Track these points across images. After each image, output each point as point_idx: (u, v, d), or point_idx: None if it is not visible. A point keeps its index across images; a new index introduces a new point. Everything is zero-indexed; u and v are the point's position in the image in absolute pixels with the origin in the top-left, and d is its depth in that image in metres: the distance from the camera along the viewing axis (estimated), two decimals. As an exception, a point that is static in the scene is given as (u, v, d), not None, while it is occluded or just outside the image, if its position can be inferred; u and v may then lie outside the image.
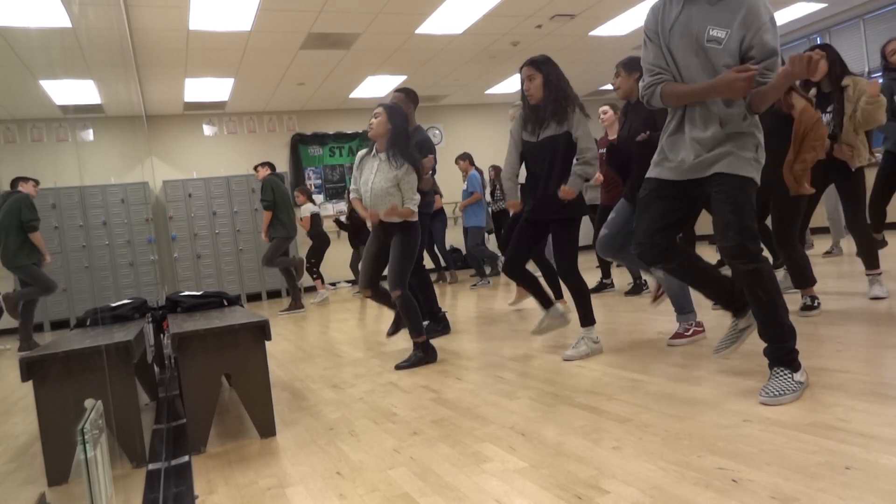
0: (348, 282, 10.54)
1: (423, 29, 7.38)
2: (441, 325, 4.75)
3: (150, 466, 2.46)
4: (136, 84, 7.99)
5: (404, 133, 3.80)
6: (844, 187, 4.03)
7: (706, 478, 1.75)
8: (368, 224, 4.01)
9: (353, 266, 9.22)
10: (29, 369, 2.27)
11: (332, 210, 10.74)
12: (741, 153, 2.39)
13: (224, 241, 9.99)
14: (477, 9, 6.92)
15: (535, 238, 3.59)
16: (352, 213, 8.62)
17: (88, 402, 1.60)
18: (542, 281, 3.81)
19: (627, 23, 7.91)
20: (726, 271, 2.69)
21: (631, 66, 3.50)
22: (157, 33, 6.56)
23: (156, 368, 4.18)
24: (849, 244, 6.34)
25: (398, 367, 3.72)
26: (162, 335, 4.05)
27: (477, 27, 7.50)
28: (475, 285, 8.06)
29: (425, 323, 4.33)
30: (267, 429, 2.69)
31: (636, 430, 2.20)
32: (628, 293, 5.72)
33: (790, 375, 2.34)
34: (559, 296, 4.97)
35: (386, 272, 3.85)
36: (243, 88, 9.08)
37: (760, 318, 2.40)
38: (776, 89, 2.32)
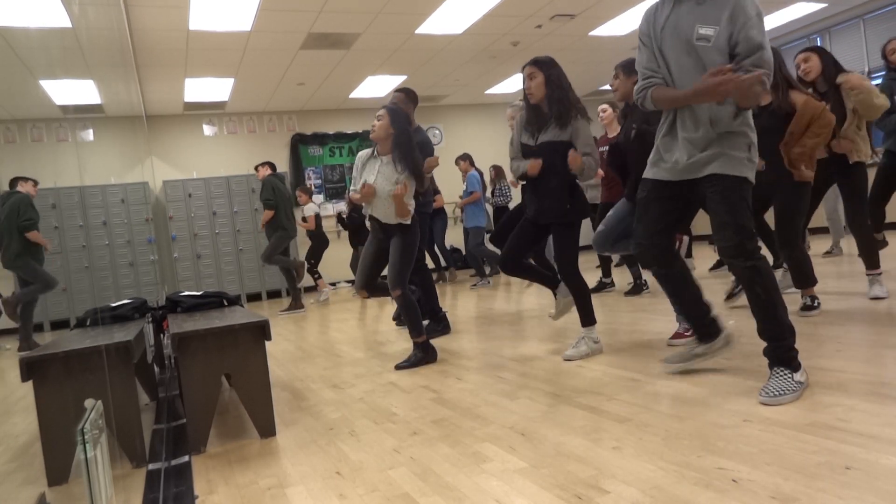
0: (348, 282, 10.54)
1: (423, 29, 7.38)
2: (441, 324, 4.75)
3: (150, 466, 2.46)
4: (136, 84, 7.99)
5: (408, 137, 3.78)
6: (846, 185, 4.02)
7: (706, 478, 1.75)
8: (367, 224, 4.01)
9: (354, 266, 9.22)
10: (29, 369, 2.27)
11: (332, 210, 10.74)
12: (734, 153, 2.42)
13: (224, 241, 9.99)
14: (477, 9, 6.92)
15: (535, 238, 3.59)
16: (351, 213, 8.62)
17: (88, 402, 1.60)
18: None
19: (627, 23, 7.91)
20: (726, 271, 2.71)
21: (629, 68, 3.50)
22: (157, 33, 6.56)
23: (156, 368, 4.18)
24: (849, 244, 6.35)
25: (398, 367, 3.72)
26: (162, 335, 4.05)
27: (477, 27, 7.50)
28: (475, 285, 8.07)
29: (425, 322, 4.33)
30: (267, 429, 2.70)
31: (636, 430, 2.20)
32: (628, 293, 5.72)
33: (790, 375, 2.34)
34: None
35: (385, 272, 3.85)
36: (243, 88, 9.09)
37: (759, 316, 2.42)
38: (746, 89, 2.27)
